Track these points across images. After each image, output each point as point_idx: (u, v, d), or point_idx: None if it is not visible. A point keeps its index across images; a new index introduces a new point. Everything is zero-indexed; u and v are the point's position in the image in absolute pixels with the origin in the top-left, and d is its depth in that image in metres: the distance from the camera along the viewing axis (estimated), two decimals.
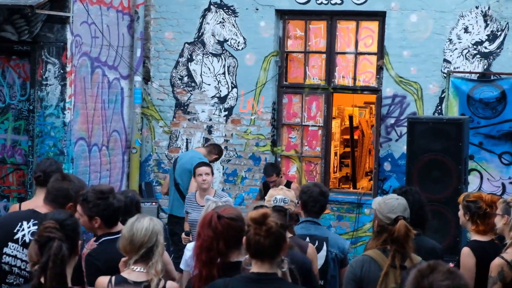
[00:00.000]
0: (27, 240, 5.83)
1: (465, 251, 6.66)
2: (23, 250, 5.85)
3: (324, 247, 6.92)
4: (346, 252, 7.36)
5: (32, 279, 4.57)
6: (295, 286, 4.83)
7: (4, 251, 5.88)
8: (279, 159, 13.01)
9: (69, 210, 6.01)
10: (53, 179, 6.17)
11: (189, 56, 13.25)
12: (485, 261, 6.46)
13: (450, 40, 11.94)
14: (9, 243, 5.89)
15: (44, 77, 11.66)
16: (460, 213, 6.96)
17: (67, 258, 4.52)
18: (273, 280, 4.58)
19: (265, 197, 6.81)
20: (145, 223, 5.19)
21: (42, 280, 4.44)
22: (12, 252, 5.88)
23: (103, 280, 5.29)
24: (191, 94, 13.28)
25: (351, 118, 15.96)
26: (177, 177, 11.29)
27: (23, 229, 5.91)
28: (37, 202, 6.32)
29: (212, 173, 9.84)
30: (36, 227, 5.81)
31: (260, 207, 5.07)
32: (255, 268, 4.61)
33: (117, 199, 6.10)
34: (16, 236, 5.89)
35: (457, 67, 11.90)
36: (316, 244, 6.79)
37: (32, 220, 5.93)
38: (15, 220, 6.00)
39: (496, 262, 6.22)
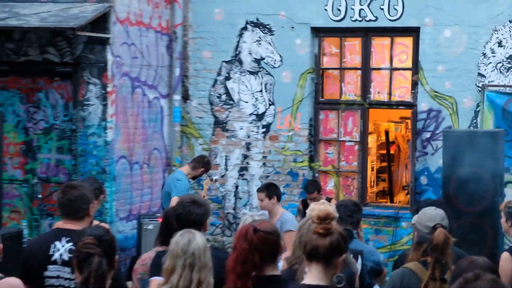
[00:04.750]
0: (66, 258, 5.79)
1: (505, 255, 6.70)
2: (64, 268, 5.82)
3: (359, 261, 6.87)
4: (382, 264, 7.37)
5: None
6: None
7: (45, 275, 5.83)
8: (316, 175, 12.93)
9: (93, 208, 6.16)
10: (60, 194, 6.10)
11: (226, 75, 13.23)
12: None
13: (484, 54, 11.82)
14: (48, 267, 5.84)
15: (86, 97, 11.71)
16: (502, 220, 6.99)
17: (107, 274, 4.49)
18: None
19: (307, 211, 6.74)
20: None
21: None
22: (53, 274, 5.84)
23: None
24: (229, 111, 13.26)
25: (387, 133, 15.85)
26: (163, 201, 11.18)
27: (58, 249, 5.86)
28: None
29: (269, 196, 9.81)
30: (71, 243, 5.77)
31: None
32: (307, 279, 4.53)
33: (198, 208, 6.03)
34: (54, 258, 5.85)
35: (492, 81, 11.78)
36: (351, 257, 6.72)
37: (63, 238, 5.88)
38: (46, 243, 5.94)
39: None
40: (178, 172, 11.24)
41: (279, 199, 10.04)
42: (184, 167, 11.37)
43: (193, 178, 11.26)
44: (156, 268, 5.53)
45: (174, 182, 10.76)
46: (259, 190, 10.18)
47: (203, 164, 11.15)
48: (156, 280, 5.37)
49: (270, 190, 9.97)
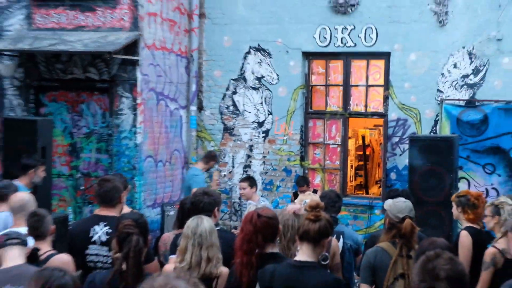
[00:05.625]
0: (104, 239, 5.82)
1: (463, 233, 6.71)
2: (102, 248, 5.83)
3: (341, 240, 6.87)
4: (359, 243, 7.35)
5: (114, 266, 4.59)
6: (329, 274, 4.77)
7: (86, 253, 5.85)
8: (306, 171, 12.93)
9: (125, 197, 6.27)
10: (97, 187, 6.12)
11: (233, 90, 13.23)
12: (479, 243, 6.57)
13: (442, 74, 11.83)
14: (89, 246, 5.87)
15: (119, 108, 11.72)
16: (453, 208, 6.98)
17: (143, 249, 4.51)
18: (312, 267, 4.55)
19: (296, 201, 6.75)
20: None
21: (123, 267, 4.43)
22: (93, 252, 5.86)
23: (169, 267, 5.25)
24: (236, 120, 13.26)
25: (363, 137, 15.86)
26: (185, 193, 11.31)
27: (97, 232, 5.88)
28: None
29: (251, 186, 9.89)
30: (107, 227, 5.78)
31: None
32: (299, 256, 4.62)
33: (207, 198, 5.96)
34: (93, 239, 5.87)
35: (448, 96, 11.78)
36: (334, 237, 6.73)
37: (101, 222, 5.90)
38: (87, 227, 5.97)
39: (490, 250, 6.17)
40: (194, 169, 11.35)
41: (256, 189, 10.26)
42: (198, 164, 11.48)
43: (207, 170, 11.42)
44: (174, 248, 5.54)
45: (192, 177, 10.93)
46: (242, 180, 10.24)
47: (211, 158, 11.42)
48: (173, 258, 5.38)
49: (251, 181, 10.11)
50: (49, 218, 5.67)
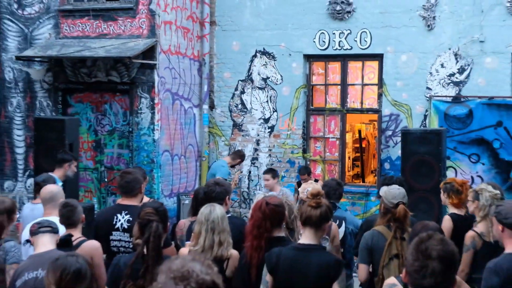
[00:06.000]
0: (126, 227, 5.83)
1: (446, 217, 6.83)
2: (124, 234, 5.83)
3: (343, 225, 6.84)
4: (359, 228, 7.31)
5: (136, 250, 4.59)
6: (330, 255, 4.76)
7: (110, 239, 5.86)
8: (308, 163, 12.91)
9: (144, 188, 6.21)
10: (119, 178, 6.11)
11: (242, 90, 13.21)
12: (462, 228, 6.50)
13: (430, 73, 11.78)
14: (113, 232, 5.88)
15: (139, 107, 11.72)
16: (441, 194, 6.98)
17: (162, 235, 4.51)
18: (314, 249, 4.56)
19: (299, 189, 6.73)
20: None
21: (145, 251, 4.44)
22: (116, 237, 5.88)
23: (185, 250, 5.25)
24: (244, 117, 13.24)
25: (360, 131, 15.79)
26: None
27: (119, 220, 5.89)
28: None
29: (273, 177, 9.77)
30: (129, 215, 5.78)
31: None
32: (302, 239, 4.63)
33: (219, 188, 5.94)
34: (116, 226, 5.88)
35: (436, 93, 11.73)
36: (337, 222, 6.70)
37: (123, 211, 5.90)
38: (111, 215, 5.99)
39: (470, 233, 6.14)
40: (222, 161, 11.18)
41: (278, 180, 10.13)
42: (226, 158, 11.38)
43: (232, 166, 11.26)
44: (190, 234, 5.54)
45: (219, 167, 10.73)
46: (265, 172, 10.10)
47: (239, 156, 11.21)
48: (188, 243, 5.38)
49: (274, 172, 10.01)
50: (80, 208, 5.69)
